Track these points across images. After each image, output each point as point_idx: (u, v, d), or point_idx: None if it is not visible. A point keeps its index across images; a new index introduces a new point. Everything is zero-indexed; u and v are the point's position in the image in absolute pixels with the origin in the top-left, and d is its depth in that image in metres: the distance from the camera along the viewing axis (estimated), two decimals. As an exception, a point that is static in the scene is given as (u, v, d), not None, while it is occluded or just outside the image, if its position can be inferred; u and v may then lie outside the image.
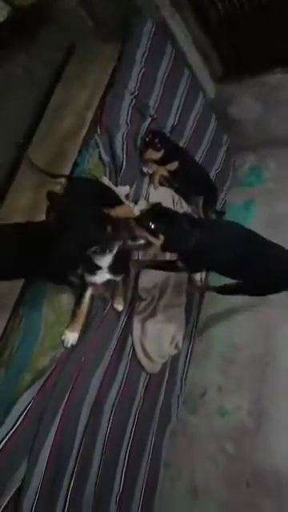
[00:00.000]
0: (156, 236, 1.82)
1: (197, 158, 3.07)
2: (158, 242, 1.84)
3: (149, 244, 1.86)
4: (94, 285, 2.01)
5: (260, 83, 3.26)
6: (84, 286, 2.02)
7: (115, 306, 2.26)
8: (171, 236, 1.85)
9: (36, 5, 1.80)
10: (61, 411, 1.87)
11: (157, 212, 1.89)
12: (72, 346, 1.99)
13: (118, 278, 2.04)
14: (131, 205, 2.38)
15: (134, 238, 1.81)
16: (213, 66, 3.40)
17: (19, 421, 1.71)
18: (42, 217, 1.90)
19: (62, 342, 1.98)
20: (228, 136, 3.51)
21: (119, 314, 2.30)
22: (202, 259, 2.01)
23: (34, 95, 2.64)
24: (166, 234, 1.83)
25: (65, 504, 1.85)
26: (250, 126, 3.61)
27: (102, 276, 1.90)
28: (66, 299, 2.03)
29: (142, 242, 1.84)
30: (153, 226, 1.80)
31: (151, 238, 1.83)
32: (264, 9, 2.90)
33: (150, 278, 2.50)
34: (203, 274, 2.98)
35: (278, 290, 2.17)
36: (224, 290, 2.43)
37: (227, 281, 2.31)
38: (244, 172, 3.80)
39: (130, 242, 1.80)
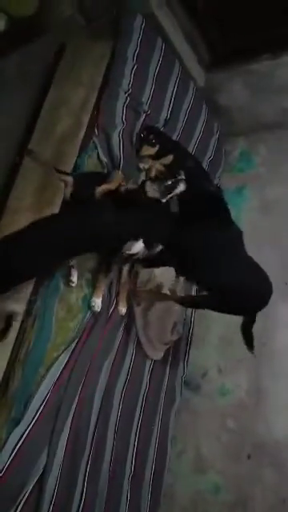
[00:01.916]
0: None
1: (190, 148, 3.13)
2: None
3: None
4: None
5: (248, 70, 3.29)
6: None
7: (119, 308, 2.35)
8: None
9: (33, 16, 1.83)
10: (76, 401, 2.01)
11: None
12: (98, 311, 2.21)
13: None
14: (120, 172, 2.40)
15: None
16: (201, 54, 3.41)
17: (38, 413, 1.83)
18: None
19: (92, 307, 2.18)
20: (218, 124, 3.56)
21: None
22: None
23: (29, 94, 2.67)
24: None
25: (82, 489, 2.00)
26: (239, 113, 3.67)
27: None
28: (74, 295, 2.14)
29: None
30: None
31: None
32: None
33: (146, 272, 2.62)
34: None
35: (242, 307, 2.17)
36: (186, 301, 2.55)
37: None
38: (235, 158, 3.86)
39: None
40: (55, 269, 2.06)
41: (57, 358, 1.97)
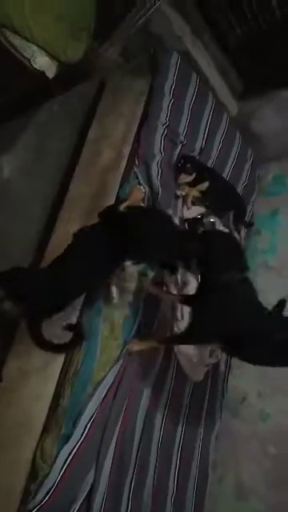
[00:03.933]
0: None
1: (224, 175, 3.24)
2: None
3: None
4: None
5: (280, 97, 3.40)
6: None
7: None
8: None
9: (81, 61, 2.01)
10: (120, 421, 2.08)
11: None
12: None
13: None
14: (141, 187, 2.50)
15: None
16: (233, 83, 3.56)
17: (86, 430, 1.90)
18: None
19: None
20: (252, 150, 3.66)
21: (165, 331, 2.49)
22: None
23: (72, 130, 2.87)
24: None
25: (127, 505, 2.05)
26: (271, 138, 3.74)
27: None
28: (116, 314, 2.23)
29: None
30: None
31: None
32: (280, 24, 3.04)
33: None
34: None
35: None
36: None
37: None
38: (268, 182, 3.92)
39: None
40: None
41: (103, 378, 2.05)
